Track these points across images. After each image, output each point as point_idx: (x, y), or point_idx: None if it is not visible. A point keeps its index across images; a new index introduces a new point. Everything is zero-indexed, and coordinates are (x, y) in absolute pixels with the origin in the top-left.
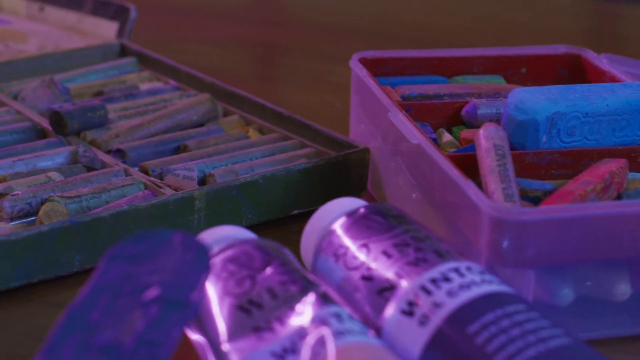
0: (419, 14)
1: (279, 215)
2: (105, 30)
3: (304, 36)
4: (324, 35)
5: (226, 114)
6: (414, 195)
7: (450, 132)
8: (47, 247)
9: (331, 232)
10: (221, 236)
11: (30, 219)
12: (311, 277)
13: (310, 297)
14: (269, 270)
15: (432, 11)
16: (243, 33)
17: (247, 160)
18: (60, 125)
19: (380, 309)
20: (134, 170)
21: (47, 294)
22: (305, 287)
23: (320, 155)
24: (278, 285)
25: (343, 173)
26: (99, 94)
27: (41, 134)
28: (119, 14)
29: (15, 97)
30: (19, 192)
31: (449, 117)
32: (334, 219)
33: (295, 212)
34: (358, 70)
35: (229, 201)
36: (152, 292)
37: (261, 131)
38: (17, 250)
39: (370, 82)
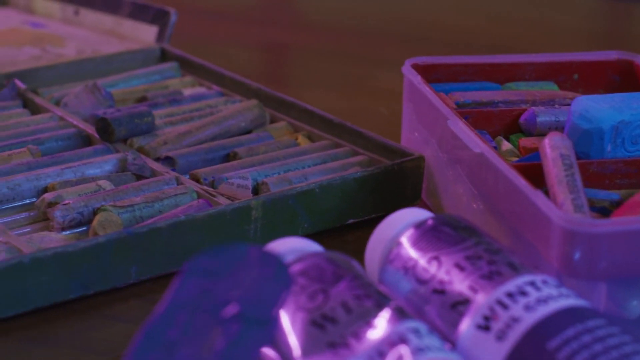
0: (454, 18)
1: (334, 225)
2: (144, 34)
3: (340, 41)
4: (360, 40)
5: (273, 120)
6: (474, 205)
7: (508, 140)
8: (104, 259)
9: (399, 244)
10: (288, 249)
11: (81, 229)
12: (384, 290)
13: (386, 312)
14: (341, 284)
15: (467, 15)
16: (278, 37)
17: (300, 169)
18: (107, 132)
19: (454, 324)
20: (186, 179)
21: (102, 306)
22: (380, 301)
23: (373, 163)
24: (352, 300)
25: (398, 181)
26: (142, 99)
27: (86, 140)
28: (158, 17)
29: (57, 103)
30: (70, 202)
31: (506, 125)
32: (401, 230)
33: (351, 221)
34: (412, 76)
35: (285, 211)
36: (232, 309)
37: (310, 138)
38: (74, 262)
39: (425, 89)
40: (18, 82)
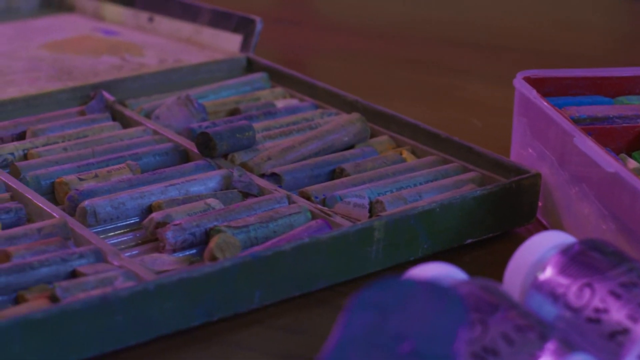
0: (522, 23)
1: (452, 245)
2: (226, 42)
3: (416, 49)
4: (435, 49)
5: (373, 134)
6: (604, 225)
7: (630, 157)
8: (229, 284)
9: (545, 269)
10: (434, 276)
11: (192, 250)
12: (545, 319)
13: (552, 344)
14: (499, 314)
15: (557, 27)
16: (353, 45)
17: (412, 186)
18: (208, 147)
19: (613, 354)
20: (297, 197)
21: (225, 333)
22: (543, 332)
23: (486, 180)
24: (513, 331)
25: (515, 200)
26: (234, 111)
27: (184, 155)
28: (242, 26)
29: (147, 115)
30: (182, 222)
31: (628, 142)
32: (546, 255)
33: (469, 241)
34: (526, 90)
35: (406, 231)
36: (408, 346)
37: (414, 153)
38: (198, 288)
39: (543, 104)
40: (106, 94)
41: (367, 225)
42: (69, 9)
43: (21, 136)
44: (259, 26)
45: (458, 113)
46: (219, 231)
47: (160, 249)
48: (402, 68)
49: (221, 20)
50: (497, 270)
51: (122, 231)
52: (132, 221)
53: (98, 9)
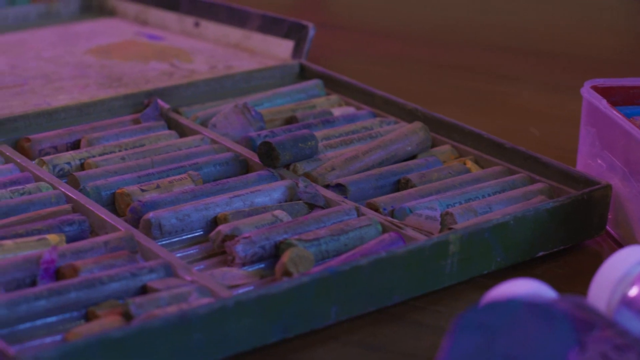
0: (585, 33)
1: (525, 258)
2: (277, 48)
3: (469, 55)
4: (488, 55)
5: (434, 143)
6: None
7: None
8: (306, 300)
9: (634, 285)
10: (524, 293)
11: (260, 264)
12: None
13: None
14: (596, 332)
15: (603, 33)
16: (403, 51)
17: (480, 197)
18: (270, 157)
19: None
20: (366, 209)
21: (302, 350)
22: None
23: (555, 191)
24: (613, 350)
25: (586, 211)
26: (291, 119)
27: (244, 165)
28: (294, 31)
29: (203, 123)
30: (251, 235)
31: None
32: (634, 270)
33: (541, 253)
34: (595, 100)
35: (480, 244)
36: None
37: (477, 163)
38: (276, 304)
39: (614, 114)
40: (160, 102)
41: (442, 238)
42: (110, 13)
43: (75, 145)
44: (311, 32)
45: (513, 121)
46: (290, 244)
47: (228, 263)
48: (450, 74)
49: (271, 25)
50: (570, 283)
51: (187, 244)
52: (197, 234)
53: (140, 13)
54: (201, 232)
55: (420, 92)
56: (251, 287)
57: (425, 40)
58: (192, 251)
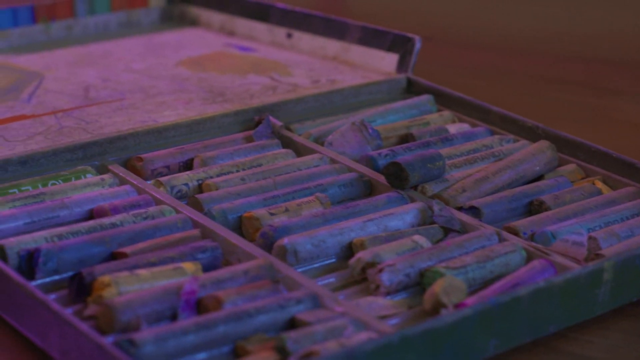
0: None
1: None
2: (379, 62)
3: (568, 68)
4: (587, 67)
5: (559, 162)
6: None
7: None
8: (467, 333)
9: None
10: None
11: (403, 293)
12: None
13: None
14: None
15: None
16: (499, 63)
17: (619, 221)
18: (399, 178)
19: None
20: (508, 234)
21: None
22: None
23: None
24: None
25: None
26: (406, 137)
27: (368, 185)
28: (398, 44)
29: (317, 141)
30: (395, 263)
31: None
32: None
33: None
34: None
35: (632, 271)
36: None
37: (606, 183)
38: (440, 338)
39: None
40: (272, 119)
41: (597, 266)
42: (192, 22)
43: (188, 164)
44: (417, 45)
45: (623, 138)
46: (436, 273)
47: (371, 291)
48: (551, 88)
49: (373, 38)
50: None
51: (324, 271)
52: (331, 260)
53: (226, 23)
54: (334, 259)
55: (522, 106)
56: (398, 319)
57: (519, 52)
58: (330, 279)
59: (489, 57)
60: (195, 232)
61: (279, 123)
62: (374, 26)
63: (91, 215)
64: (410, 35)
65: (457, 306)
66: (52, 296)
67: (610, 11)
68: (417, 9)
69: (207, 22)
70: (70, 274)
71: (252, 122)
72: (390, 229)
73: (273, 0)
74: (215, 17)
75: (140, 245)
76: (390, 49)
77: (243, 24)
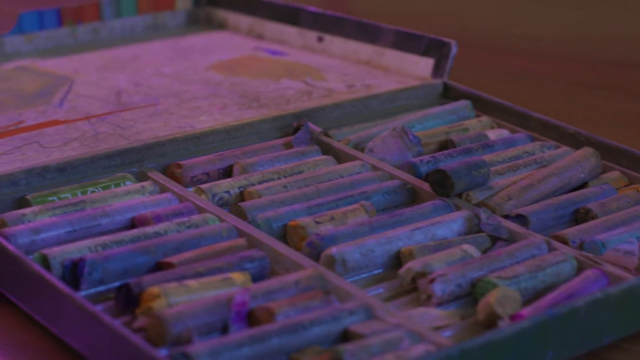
0: None
1: None
2: (413, 66)
3: (601, 72)
4: (619, 71)
5: (603, 169)
6: None
7: None
8: (525, 345)
9: None
10: None
11: (455, 303)
12: None
13: None
14: None
15: None
16: (529, 67)
17: None
18: (444, 186)
19: None
20: (557, 243)
21: None
22: None
23: None
24: None
25: None
26: (446, 143)
27: (411, 193)
28: (433, 49)
29: (356, 147)
30: (447, 272)
31: None
32: None
33: None
34: None
35: None
36: None
37: None
38: (499, 351)
39: None
40: (311, 125)
41: None
42: (219, 25)
43: (227, 171)
44: (453, 49)
45: None
46: (489, 283)
47: (422, 302)
48: (584, 92)
49: (407, 42)
50: None
51: (373, 281)
52: (379, 270)
53: (255, 26)
54: (382, 269)
55: (556, 111)
56: (452, 330)
57: (550, 56)
58: (379, 290)
59: (520, 61)
60: (242, 241)
61: (317, 129)
62: (408, 30)
63: (133, 223)
64: (446, 39)
65: (512, 317)
66: (98, 307)
67: (634, 13)
68: (439, 11)
69: (234, 25)
70: (115, 284)
71: (290, 128)
72: (437, 238)
73: (303, 4)
74: (243, 20)
75: (186, 254)
76: (425, 53)
77: (272, 28)
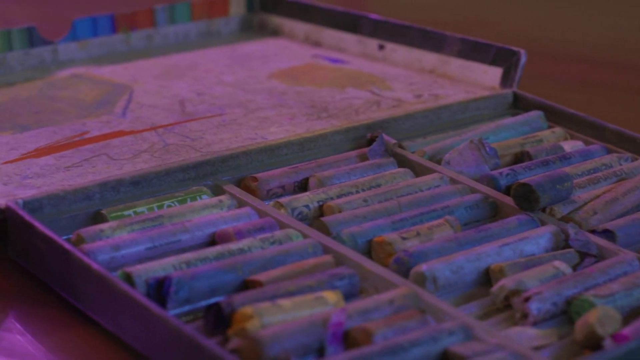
0: None
1: None
2: (481, 75)
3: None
4: None
5: None
6: None
7: None
8: None
9: None
10: None
11: (550, 322)
12: None
13: None
14: None
15: None
16: (594, 76)
17: None
18: (528, 200)
19: None
20: None
21: None
22: None
23: None
24: None
25: None
26: (523, 155)
27: (493, 207)
28: (502, 58)
29: (431, 159)
30: (541, 291)
31: None
32: None
33: None
34: None
35: None
36: None
37: None
38: None
39: None
40: (386, 136)
41: None
42: (273, 32)
43: (303, 184)
44: (523, 59)
45: None
46: (585, 301)
47: (516, 321)
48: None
49: (474, 51)
50: None
51: (465, 299)
52: (468, 287)
53: (311, 34)
54: (471, 286)
55: (623, 121)
56: (549, 350)
57: (613, 64)
58: (471, 308)
59: (581, 68)
60: (328, 258)
61: (392, 141)
62: (474, 39)
63: (213, 239)
64: (514, 48)
65: (613, 337)
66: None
67: None
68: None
69: (290, 32)
70: (201, 303)
71: (363, 139)
72: (525, 254)
73: (365, 11)
74: (299, 27)
75: (274, 272)
76: (493, 62)
77: (330, 35)
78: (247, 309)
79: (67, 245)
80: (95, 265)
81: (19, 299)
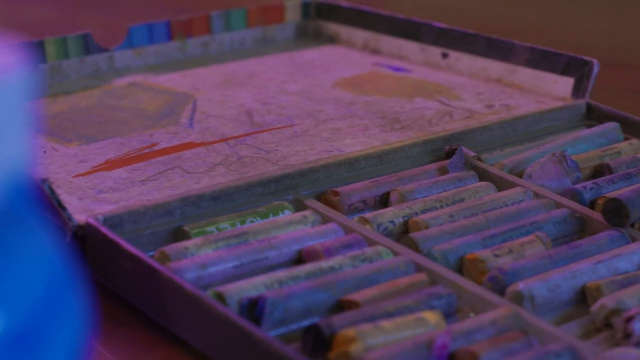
0: None
1: None
2: (551, 85)
3: None
4: None
5: None
6: None
7: None
8: None
9: None
10: None
11: None
12: None
13: None
14: None
15: None
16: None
17: None
18: (619, 215)
19: None
20: None
21: None
22: None
23: None
24: None
25: None
26: (601, 168)
27: (580, 222)
28: (573, 67)
29: (511, 172)
30: None
31: None
32: None
33: None
34: None
35: None
36: None
37: None
38: None
39: None
40: (464, 149)
41: None
42: (329, 39)
43: (383, 198)
44: (595, 69)
45: None
46: None
47: (617, 341)
48: None
49: (544, 60)
50: None
51: (555, 319)
52: (565, 307)
53: (370, 41)
54: (566, 305)
55: None
56: None
57: None
58: (572, 328)
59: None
60: (422, 276)
61: (471, 153)
62: (543, 47)
63: (299, 256)
64: (586, 58)
65: None
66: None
67: None
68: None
69: (347, 39)
70: (294, 325)
71: (441, 151)
72: (619, 271)
73: (428, 19)
74: (357, 34)
75: (369, 292)
76: (564, 72)
77: (390, 42)
78: (350, 332)
79: (156, 265)
80: (187, 286)
81: (102, 320)
